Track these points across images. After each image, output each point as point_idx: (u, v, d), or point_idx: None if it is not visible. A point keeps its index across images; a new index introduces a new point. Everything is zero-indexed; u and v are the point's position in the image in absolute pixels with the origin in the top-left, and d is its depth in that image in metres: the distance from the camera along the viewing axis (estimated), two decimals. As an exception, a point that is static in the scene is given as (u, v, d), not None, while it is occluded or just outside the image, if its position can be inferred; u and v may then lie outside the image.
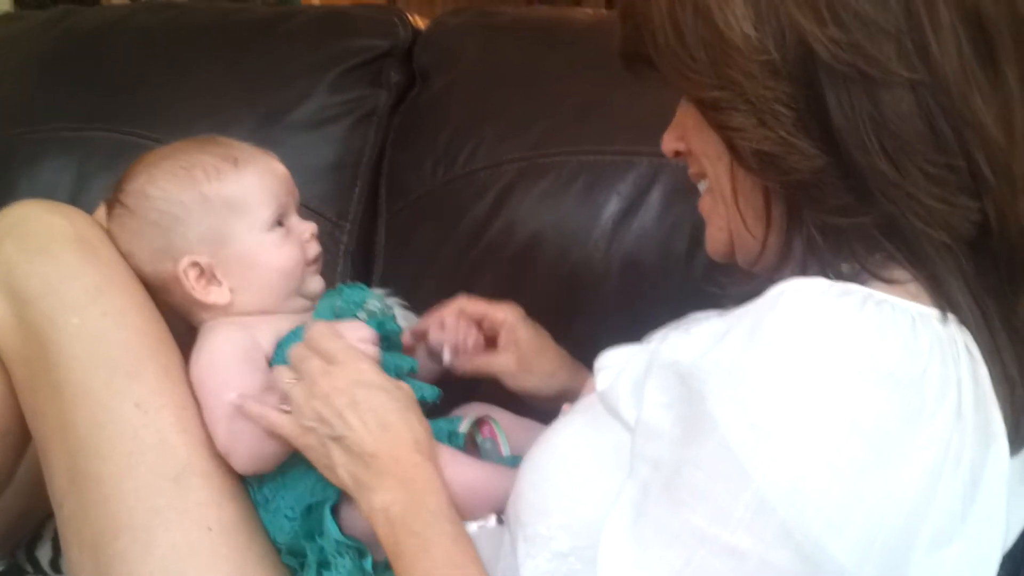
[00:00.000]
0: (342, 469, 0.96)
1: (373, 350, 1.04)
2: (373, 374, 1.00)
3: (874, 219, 0.79)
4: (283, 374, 1.02)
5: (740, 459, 0.72)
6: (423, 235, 1.58)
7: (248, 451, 1.04)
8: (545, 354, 1.21)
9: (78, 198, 1.60)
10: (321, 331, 1.03)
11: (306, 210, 1.59)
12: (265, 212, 1.11)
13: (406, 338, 1.19)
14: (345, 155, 1.67)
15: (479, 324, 1.23)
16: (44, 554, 1.33)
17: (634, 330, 0.97)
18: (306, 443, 0.99)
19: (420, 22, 1.77)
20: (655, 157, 1.27)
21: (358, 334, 1.05)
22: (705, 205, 0.94)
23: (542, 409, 1.17)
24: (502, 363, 1.19)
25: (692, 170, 0.95)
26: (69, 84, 1.75)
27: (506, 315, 1.21)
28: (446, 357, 1.18)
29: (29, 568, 1.34)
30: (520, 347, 1.20)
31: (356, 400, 0.97)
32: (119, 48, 1.77)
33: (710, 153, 0.88)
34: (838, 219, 0.80)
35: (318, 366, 1.00)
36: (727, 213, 0.89)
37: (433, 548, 0.89)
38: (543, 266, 1.43)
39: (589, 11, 1.74)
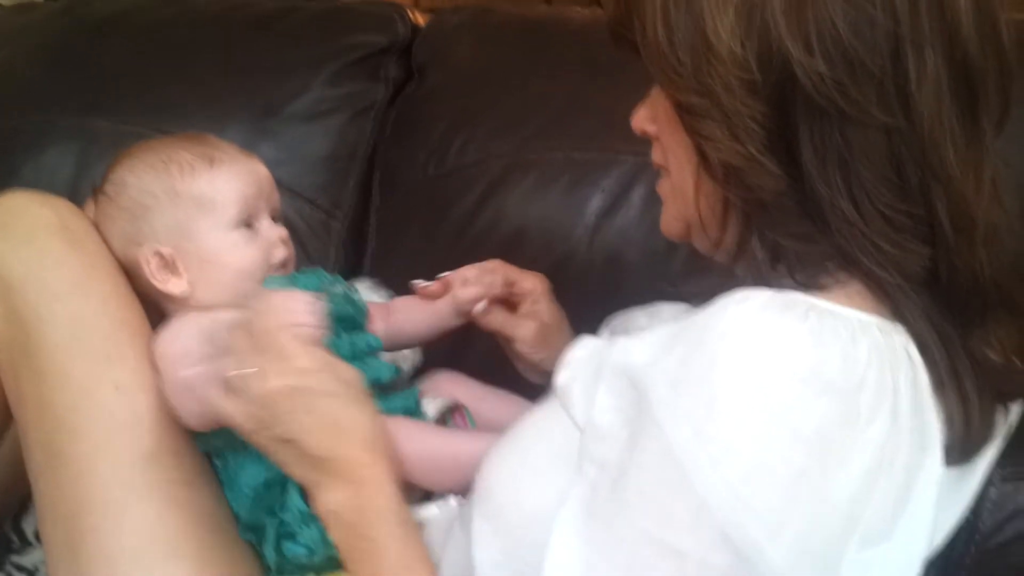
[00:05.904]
0: (294, 468, 0.94)
1: (316, 330, 0.97)
2: (315, 374, 0.94)
3: (825, 250, 0.80)
4: (227, 366, 0.95)
5: (682, 464, 0.74)
6: (413, 227, 1.60)
7: (195, 420, 1.03)
8: (561, 333, 1.20)
9: (78, 185, 1.63)
10: (261, 322, 0.96)
11: (301, 200, 1.64)
12: (230, 212, 1.13)
13: (435, 287, 1.18)
14: (341, 147, 1.69)
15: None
16: (30, 524, 1.36)
17: (615, 324, 0.99)
18: (256, 441, 0.95)
19: (421, 18, 1.79)
20: (638, 156, 1.29)
21: (299, 308, 0.98)
22: (664, 190, 0.94)
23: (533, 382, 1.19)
24: (523, 329, 1.19)
25: (656, 153, 0.94)
26: (73, 73, 1.77)
27: (534, 285, 1.20)
28: (478, 307, 1.16)
29: (15, 539, 1.37)
30: (540, 319, 1.19)
31: (298, 405, 0.92)
32: (124, 39, 1.80)
33: (679, 152, 0.88)
34: (791, 243, 0.81)
35: (261, 363, 0.93)
36: (685, 208, 0.89)
37: (383, 551, 0.89)
38: (527, 260, 1.41)
39: (585, 11, 1.75)
